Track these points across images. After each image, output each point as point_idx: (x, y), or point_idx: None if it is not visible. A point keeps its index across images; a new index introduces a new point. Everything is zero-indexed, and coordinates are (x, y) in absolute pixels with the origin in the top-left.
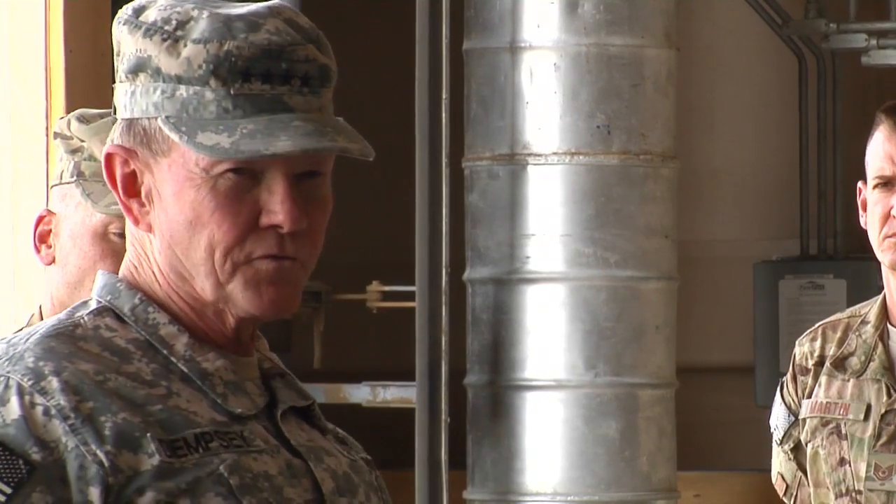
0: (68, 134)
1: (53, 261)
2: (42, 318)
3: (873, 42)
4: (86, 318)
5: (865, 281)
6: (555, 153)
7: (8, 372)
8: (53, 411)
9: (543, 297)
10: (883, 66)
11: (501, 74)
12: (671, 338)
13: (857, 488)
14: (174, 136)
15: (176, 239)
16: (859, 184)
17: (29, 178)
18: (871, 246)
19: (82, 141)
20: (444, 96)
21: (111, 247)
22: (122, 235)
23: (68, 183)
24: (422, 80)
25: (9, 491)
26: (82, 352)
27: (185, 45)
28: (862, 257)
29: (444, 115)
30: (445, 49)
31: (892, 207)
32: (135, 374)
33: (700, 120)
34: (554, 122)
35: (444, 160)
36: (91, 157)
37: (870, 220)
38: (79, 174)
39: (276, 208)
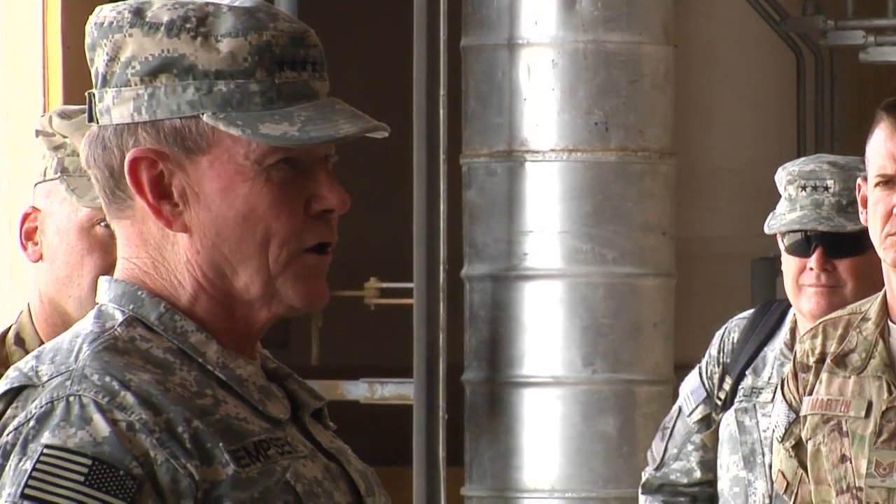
0: (50, 131)
1: (41, 257)
2: (31, 316)
3: (871, 39)
4: (119, 330)
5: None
6: (552, 150)
7: (78, 391)
8: (138, 426)
9: (541, 293)
10: (880, 62)
11: (499, 71)
12: (669, 334)
13: (857, 485)
14: (233, 131)
15: (224, 235)
16: (859, 181)
17: (26, 175)
18: (870, 243)
19: (65, 137)
20: (441, 93)
21: (98, 240)
22: (108, 228)
23: (52, 179)
24: (419, 76)
25: None
26: (133, 364)
27: (220, 41)
28: None
29: (441, 111)
30: (443, 46)
31: (893, 206)
32: (181, 384)
33: (698, 117)
34: (552, 119)
35: (442, 157)
36: (74, 153)
37: (871, 219)
38: (62, 170)
39: (326, 193)
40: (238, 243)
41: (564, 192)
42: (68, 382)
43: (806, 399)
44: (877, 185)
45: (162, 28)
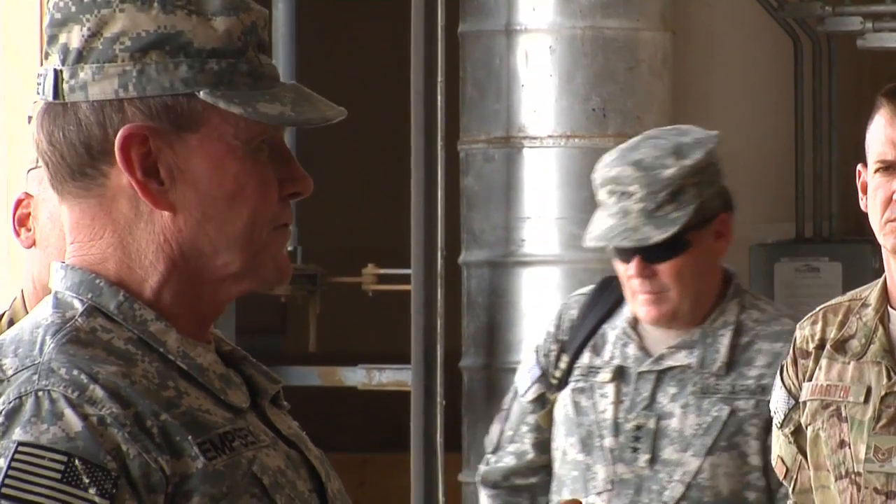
0: None
1: (34, 243)
2: (24, 302)
3: (869, 25)
4: (80, 321)
5: (861, 264)
6: (550, 136)
7: (46, 385)
8: (109, 419)
9: (539, 279)
10: (878, 48)
11: (497, 57)
12: None
13: (856, 470)
14: (234, 109)
15: (210, 214)
16: (859, 166)
17: (23, 161)
18: (867, 229)
19: None
20: (439, 79)
21: None
22: None
23: None
24: (417, 63)
25: (107, 503)
26: (97, 356)
27: (212, 18)
28: (858, 240)
29: (439, 98)
30: (441, 32)
31: (893, 192)
32: (144, 375)
33: (695, 103)
34: (549, 105)
35: (440, 143)
36: None
37: (871, 205)
38: None
39: (298, 176)
40: (223, 222)
41: (562, 179)
42: (35, 377)
43: (805, 385)
44: (877, 171)
45: (155, 3)
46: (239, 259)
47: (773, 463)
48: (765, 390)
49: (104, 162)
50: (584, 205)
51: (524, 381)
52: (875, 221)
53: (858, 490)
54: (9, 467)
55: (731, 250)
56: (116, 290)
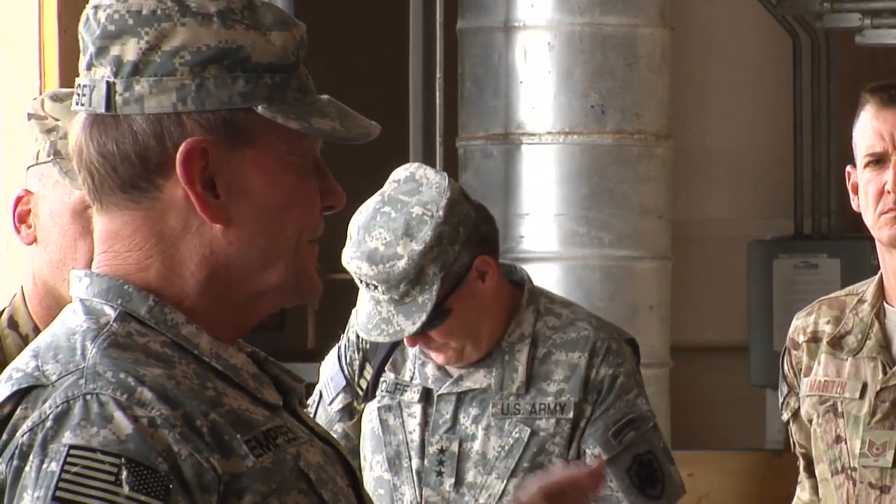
0: (42, 114)
1: (35, 240)
2: (25, 299)
3: (867, 21)
4: (115, 325)
5: (859, 260)
6: (549, 133)
7: (94, 389)
8: (159, 421)
9: (537, 276)
10: (877, 45)
11: (495, 54)
12: (665, 317)
13: (852, 465)
14: (292, 125)
15: (263, 227)
16: (848, 168)
17: (23, 158)
18: (865, 226)
19: (57, 120)
20: (438, 76)
21: (91, 223)
22: None
23: (45, 162)
24: (416, 59)
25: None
26: (139, 360)
27: (268, 33)
28: (856, 237)
29: (438, 94)
30: (439, 28)
31: (885, 183)
32: (184, 376)
33: (694, 99)
34: (548, 102)
35: (439, 140)
36: (67, 136)
37: (863, 200)
38: (55, 153)
39: (334, 190)
40: (275, 236)
41: (561, 175)
42: (82, 381)
43: (804, 380)
44: (866, 165)
45: (215, 18)
46: (284, 272)
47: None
48: (563, 408)
49: (160, 175)
50: (582, 202)
51: (329, 389)
52: (869, 216)
53: (854, 485)
54: (62, 471)
55: (730, 248)
56: (146, 296)
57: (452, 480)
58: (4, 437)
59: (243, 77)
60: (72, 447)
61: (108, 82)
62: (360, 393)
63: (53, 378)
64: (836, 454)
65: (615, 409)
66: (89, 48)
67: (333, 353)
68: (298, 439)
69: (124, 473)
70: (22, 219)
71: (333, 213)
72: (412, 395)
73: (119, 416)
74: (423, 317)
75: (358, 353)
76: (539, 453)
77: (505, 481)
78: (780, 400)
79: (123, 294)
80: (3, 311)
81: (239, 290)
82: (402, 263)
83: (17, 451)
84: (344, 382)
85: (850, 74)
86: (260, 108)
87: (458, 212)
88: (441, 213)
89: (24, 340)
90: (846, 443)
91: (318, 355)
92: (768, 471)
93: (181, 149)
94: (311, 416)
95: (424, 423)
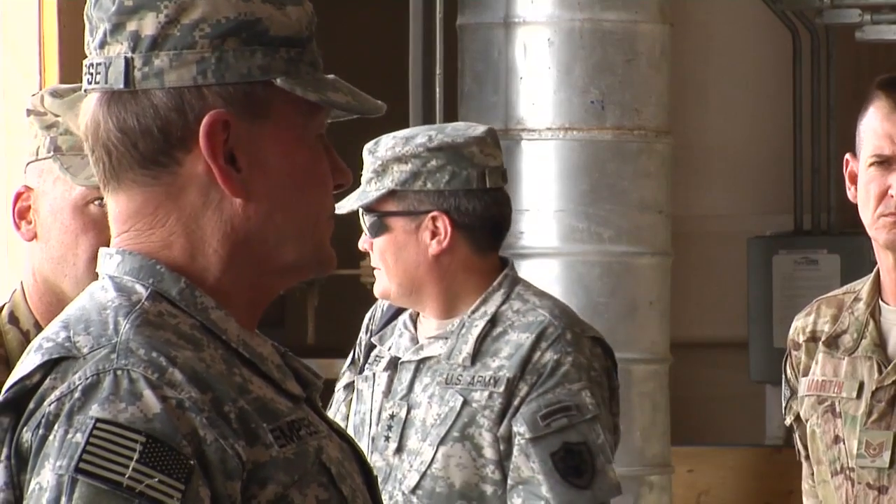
0: (42, 109)
1: (35, 236)
2: (24, 295)
3: (867, 17)
4: (147, 304)
5: (859, 256)
6: (549, 128)
7: (125, 365)
8: (188, 403)
9: (537, 272)
10: (877, 40)
11: (495, 50)
12: (665, 313)
13: (850, 465)
14: (311, 97)
15: (281, 203)
16: (847, 156)
17: (22, 154)
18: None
19: (57, 116)
20: (437, 72)
21: (92, 219)
22: (103, 206)
23: (45, 158)
24: (415, 55)
25: (182, 486)
26: (170, 340)
27: (285, 6)
28: (856, 232)
29: (437, 90)
30: (439, 24)
31: (889, 187)
32: (213, 361)
33: (694, 95)
34: (548, 98)
35: None
36: (67, 132)
37: (863, 198)
38: (56, 149)
39: (342, 167)
40: (294, 211)
41: (560, 171)
42: (114, 356)
43: (802, 380)
44: (871, 164)
45: None
46: (302, 248)
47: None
48: (497, 382)
49: (181, 149)
50: (582, 197)
51: (343, 370)
52: (867, 215)
53: (853, 485)
54: (87, 443)
55: (730, 244)
56: (178, 277)
57: (395, 445)
58: (32, 405)
59: (261, 50)
60: (98, 420)
61: (126, 58)
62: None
63: (85, 350)
64: (835, 454)
65: (552, 395)
66: (102, 26)
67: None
68: (320, 433)
69: (149, 451)
70: (22, 215)
71: (340, 191)
72: (381, 364)
73: (148, 394)
74: (357, 204)
75: (366, 333)
76: (469, 424)
77: (435, 448)
78: (784, 404)
79: (155, 274)
80: (4, 306)
81: (259, 267)
82: (381, 149)
83: (43, 420)
84: (350, 360)
85: (850, 70)
86: (279, 81)
87: (457, 157)
88: (436, 142)
89: (26, 336)
90: (844, 443)
91: (318, 351)
92: (768, 466)
93: (205, 121)
94: (329, 406)
95: (387, 391)
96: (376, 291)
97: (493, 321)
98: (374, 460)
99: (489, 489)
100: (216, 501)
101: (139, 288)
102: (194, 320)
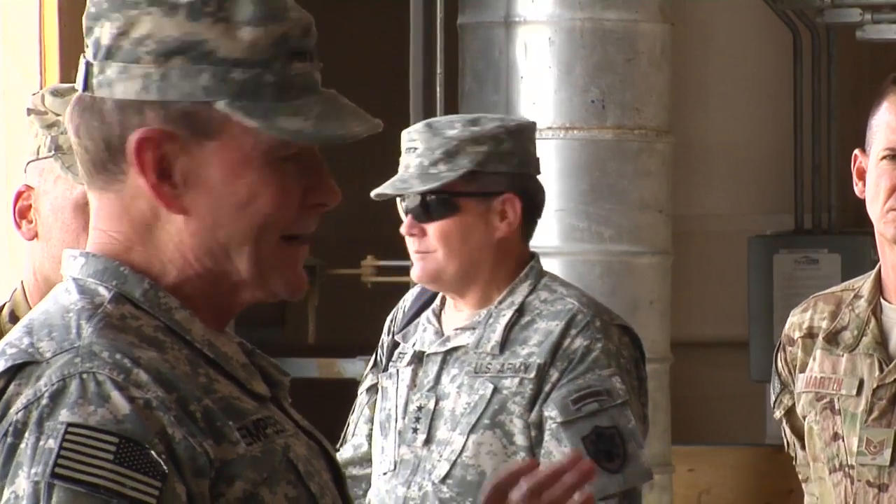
0: (42, 109)
1: (36, 236)
2: (25, 294)
3: (868, 16)
4: (109, 307)
5: (860, 255)
6: (549, 128)
7: (90, 368)
8: (155, 403)
9: None
10: (877, 40)
11: (496, 49)
12: (665, 312)
13: (849, 463)
14: (250, 122)
15: (221, 221)
16: (856, 151)
17: (23, 153)
18: (866, 220)
19: (57, 115)
20: (438, 71)
21: None
22: None
23: (46, 157)
24: (416, 54)
25: (158, 484)
26: (133, 342)
27: (240, 28)
28: (856, 231)
29: (438, 89)
30: (440, 24)
31: None
32: (176, 362)
33: (694, 94)
34: (548, 97)
35: None
36: (68, 131)
37: (872, 192)
38: (56, 148)
39: (325, 187)
40: (234, 230)
41: (561, 170)
42: (78, 360)
43: (800, 376)
44: (883, 158)
45: (182, 10)
46: (249, 267)
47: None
48: (528, 368)
49: (122, 160)
50: (583, 196)
51: (365, 373)
52: (875, 209)
53: (852, 483)
54: (60, 447)
55: (730, 243)
56: (141, 278)
57: (425, 437)
58: None
59: (209, 70)
60: (69, 424)
61: (87, 63)
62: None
63: (48, 355)
64: (833, 452)
65: (583, 380)
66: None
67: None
68: (286, 431)
69: (124, 452)
70: (22, 214)
71: (327, 210)
72: (406, 359)
73: (116, 395)
74: (436, 184)
75: (388, 334)
76: (500, 411)
77: (465, 436)
78: (773, 398)
79: (119, 276)
80: (4, 305)
81: (214, 280)
82: (452, 132)
83: (10, 429)
84: (373, 363)
85: (851, 70)
86: (219, 105)
87: (524, 141)
88: (512, 124)
89: None
90: (843, 440)
91: (318, 350)
92: (769, 466)
93: (132, 138)
94: (352, 411)
95: (413, 385)
96: (421, 275)
97: (520, 310)
98: (402, 453)
99: None
100: (191, 499)
101: (102, 290)
102: (158, 322)
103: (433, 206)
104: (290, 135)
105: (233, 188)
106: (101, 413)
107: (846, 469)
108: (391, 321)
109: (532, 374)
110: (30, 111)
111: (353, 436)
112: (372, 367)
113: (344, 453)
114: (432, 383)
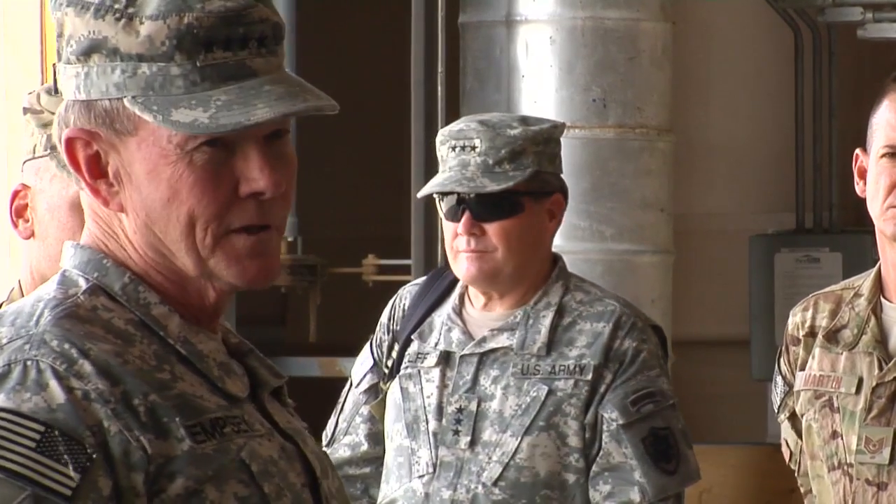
0: (38, 108)
1: (32, 234)
2: (22, 292)
3: (869, 15)
4: (82, 298)
5: (861, 254)
6: None
7: (36, 356)
8: (93, 395)
9: None
10: (879, 39)
11: (497, 48)
12: (667, 311)
13: (848, 461)
14: (146, 116)
15: (153, 217)
16: (857, 150)
17: (23, 152)
18: (868, 219)
19: (53, 113)
20: (439, 70)
21: None
22: None
23: (42, 156)
24: (417, 53)
25: (77, 477)
26: (93, 333)
27: (143, 23)
28: (858, 230)
29: (439, 88)
30: (441, 22)
31: None
32: (140, 356)
33: (696, 93)
34: (550, 96)
35: None
36: None
37: (872, 190)
38: (52, 147)
39: (256, 175)
40: (166, 226)
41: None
42: (27, 346)
43: (799, 374)
44: (883, 155)
45: (91, 9)
46: (190, 262)
47: (782, 447)
48: (583, 370)
49: None
50: (584, 195)
51: (358, 372)
52: (875, 206)
53: (851, 481)
54: None
55: (731, 242)
56: (122, 272)
57: (469, 439)
58: None
59: (120, 67)
60: (1, 409)
61: (54, 62)
62: (386, 372)
63: (4, 341)
64: (832, 450)
65: (636, 381)
66: None
67: (368, 343)
68: (252, 432)
69: (48, 441)
70: (19, 213)
71: (265, 198)
72: (431, 360)
73: (54, 384)
74: (510, 184)
75: (388, 334)
76: (555, 413)
77: (519, 438)
78: (777, 400)
79: (101, 268)
80: (2, 304)
81: (173, 275)
82: (514, 132)
83: None
84: (372, 363)
85: (852, 68)
86: (125, 100)
87: (560, 142)
88: (558, 126)
89: None
90: (842, 438)
91: (319, 349)
92: (770, 465)
93: (62, 138)
94: (339, 405)
95: (443, 386)
96: (477, 274)
97: (559, 312)
98: (442, 455)
99: (571, 478)
100: (119, 493)
101: (81, 281)
102: (132, 315)
103: (501, 205)
104: (182, 127)
105: (155, 184)
106: (35, 401)
107: (845, 467)
108: (390, 320)
109: (588, 376)
110: (26, 110)
111: (345, 434)
112: (372, 367)
113: (340, 453)
114: (469, 384)
